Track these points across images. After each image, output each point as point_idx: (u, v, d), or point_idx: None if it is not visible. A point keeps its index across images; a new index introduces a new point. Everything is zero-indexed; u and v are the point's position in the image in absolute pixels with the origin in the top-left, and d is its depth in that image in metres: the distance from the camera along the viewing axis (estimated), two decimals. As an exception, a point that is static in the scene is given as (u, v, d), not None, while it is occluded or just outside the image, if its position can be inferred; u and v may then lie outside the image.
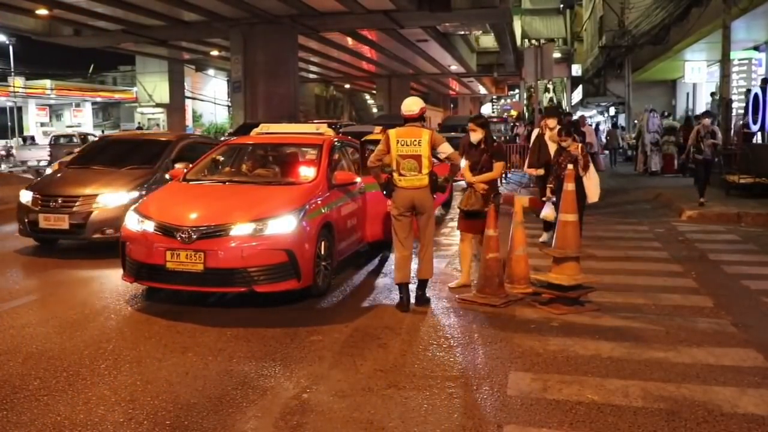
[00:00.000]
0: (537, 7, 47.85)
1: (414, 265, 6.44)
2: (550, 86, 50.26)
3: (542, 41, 34.92)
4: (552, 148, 8.67)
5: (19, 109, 40.78)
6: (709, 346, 5.09)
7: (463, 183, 7.12)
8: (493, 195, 6.74)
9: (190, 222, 6.00)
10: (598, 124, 34.22)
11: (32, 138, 37.21)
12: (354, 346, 5.13)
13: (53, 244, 9.07)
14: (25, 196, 8.81)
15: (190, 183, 7.21)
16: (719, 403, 4.06)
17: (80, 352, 5.01)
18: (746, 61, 18.85)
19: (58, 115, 48.51)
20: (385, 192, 6.31)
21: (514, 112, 52.25)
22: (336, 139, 7.92)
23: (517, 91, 65.86)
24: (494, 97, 75.00)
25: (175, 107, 41.82)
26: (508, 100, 71.02)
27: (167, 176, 8.04)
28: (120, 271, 6.49)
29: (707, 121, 12.39)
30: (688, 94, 26.55)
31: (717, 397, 4.15)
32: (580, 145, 8.21)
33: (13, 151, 33.67)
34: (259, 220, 6.03)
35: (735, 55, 17.47)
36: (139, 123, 43.71)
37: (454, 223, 8.89)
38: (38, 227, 8.56)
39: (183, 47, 33.02)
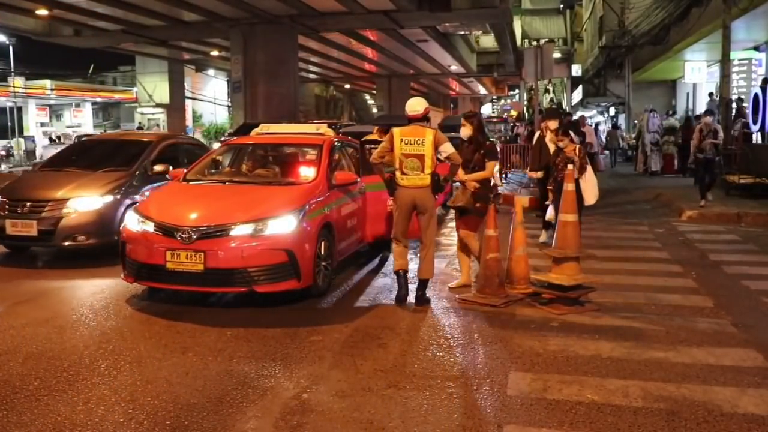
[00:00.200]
0: (537, 7, 47.94)
1: (414, 265, 6.47)
2: (550, 87, 50.30)
3: (542, 41, 34.95)
4: (552, 149, 8.67)
5: (19, 109, 40.66)
6: (709, 346, 5.09)
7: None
8: (494, 195, 6.75)
9: (190, 222, 6.01)
10: (597, 124, 34.18)
11: (59, 138, 37.14)
12: (354, 346, 5.13)
13: (25, 251, 8.64)
14: None
15: (190, 183, 7.21)
16: (719, 403, 4.06)
17: (80, 352, 5.01)
18: (746, 62, 18.86)
19: (58, 116, 48.40)
20: (387, 190, 6.39)
21: (514, 113, 52.24)
22: (336, 140, 7.92)
23: (517, 91, 65.87)
24: (494, 97, 74.93)
25: (175, 107, 41.75)
26: (508, 101, 71.06)
27: (168, 177, 7.97)
28: (120, 272, 6.49)
29: (709, 119, 12.33)
30: (688, 94, 26.56)
31: (717, 397, 4.15)
32: (576, 146, 8.20)
33: (38, 151, 33.59)
34: (260, 220, 6.03)
35: (735, 55, 17.48)
36: (139, 123, 43.62)
37: (454, 223, 8.89)
38: (5, 233, 8.05)
39: (183, 47, 32.95)
